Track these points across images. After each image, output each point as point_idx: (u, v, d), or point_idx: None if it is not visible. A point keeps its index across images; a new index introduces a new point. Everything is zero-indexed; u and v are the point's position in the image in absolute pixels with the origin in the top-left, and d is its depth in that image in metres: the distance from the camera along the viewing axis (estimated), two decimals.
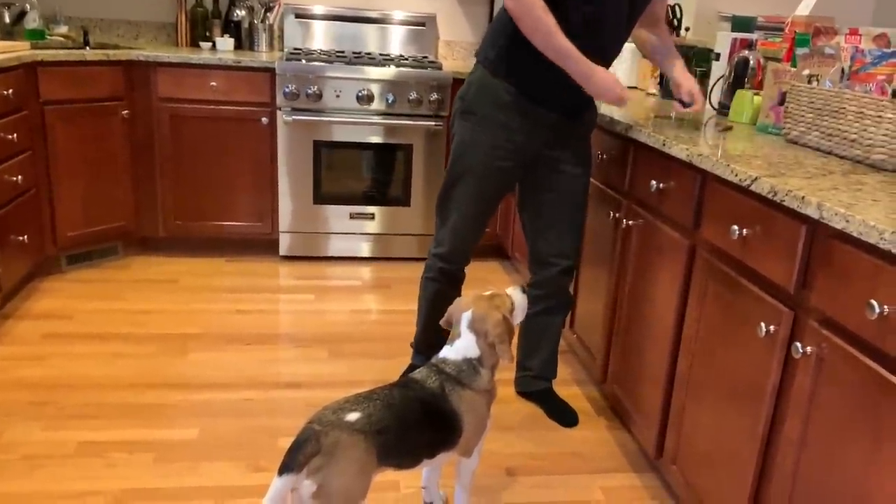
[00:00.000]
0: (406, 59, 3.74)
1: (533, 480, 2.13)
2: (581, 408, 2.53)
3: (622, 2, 1.99)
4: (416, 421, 1.62)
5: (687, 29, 3.18)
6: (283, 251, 3.72)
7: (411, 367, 2.51)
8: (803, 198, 1.38)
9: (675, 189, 1.93)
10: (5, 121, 2.80)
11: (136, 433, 2.22)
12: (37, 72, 3.05)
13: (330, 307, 3.21)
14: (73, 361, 2.61)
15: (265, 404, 2.42)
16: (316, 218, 3.67)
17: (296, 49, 3.93)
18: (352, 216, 3.70)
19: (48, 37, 3.54)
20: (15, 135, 2.86)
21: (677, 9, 3.16)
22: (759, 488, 1.57)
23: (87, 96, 3.24)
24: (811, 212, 1.36)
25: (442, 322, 1.84)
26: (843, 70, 1.88)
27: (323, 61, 3.51)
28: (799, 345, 1.40)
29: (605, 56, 2.06)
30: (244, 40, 3.91)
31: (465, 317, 1.76)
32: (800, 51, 2.09)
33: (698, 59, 2.84)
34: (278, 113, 3.49)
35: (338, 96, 3.50)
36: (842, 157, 1.81)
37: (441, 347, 1.80)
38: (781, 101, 2.11)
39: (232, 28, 3.87)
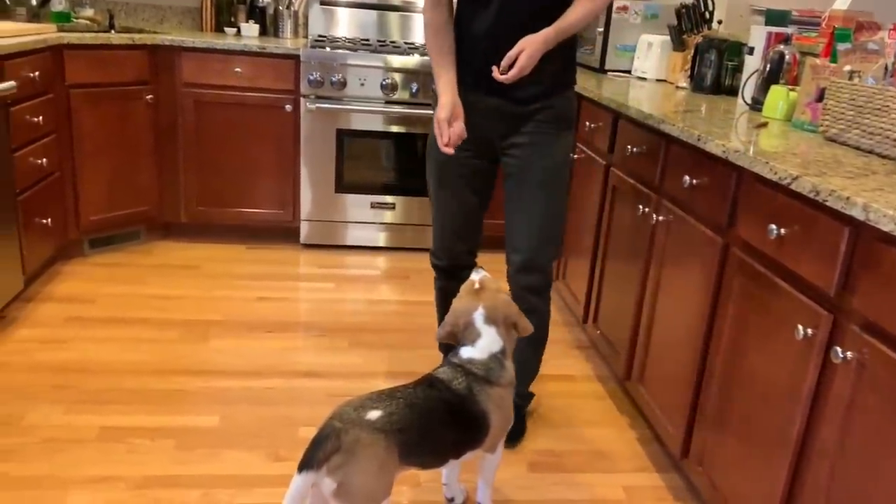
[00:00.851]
0: None
1: (554, 477, 2.10)
2: (603, 405, 2.50)
3: None
4: (441, 421, 1.60)
5: (719, 22, 3.12)
6: (303, 239, 3.70)
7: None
8: (848, 198, 1.34)
9: (708, 185, 1.89)
10: (32, 104, 2.79)
11: (157, 419, 2.22)
12: (63, 55, 3.04)
13: (349, 296, 3.20)
14: (95, 345, 2.62)
15: (285, 393, 2.41)
16: (337, 206, 3.66)
17: (320, 36, 3.90)
18: (372, 205, 3.68)
19: (74, 20, 3.54)
20: (41, 117, 2.85)
21: (709, 1, 3.10)
22: (791, 495, 1.53)
23: (112, 80, 3.23)
24: (856, 213, 1.31)
25: (441, 337, 1.76)
26: (886, 66, 1.83)
27: (347, 49, 3.49)
28: (839, 349, 1.36)
29: (496, 37, 1.93)
30: (269, 26, 3.89)
31: (478, 314, 1.72)
32: (840, 46, 2.04)
33: (730, 53, 2.78)
34: (302, 100, 3.47)
35: (362, 84, 3.47)
36: (884, 157, 1.76)
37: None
38: (819, 98, 2.06)
39: (257, 14, 3.85)
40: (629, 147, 2.41)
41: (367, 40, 3.90)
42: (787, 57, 2.40)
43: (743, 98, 2.55)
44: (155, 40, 3.33)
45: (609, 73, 3.42)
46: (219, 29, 3.85)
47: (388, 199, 3.68)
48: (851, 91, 1.86)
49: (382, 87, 3.48)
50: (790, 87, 2.32)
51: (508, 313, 1.74)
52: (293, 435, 2.19)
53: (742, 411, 1.70)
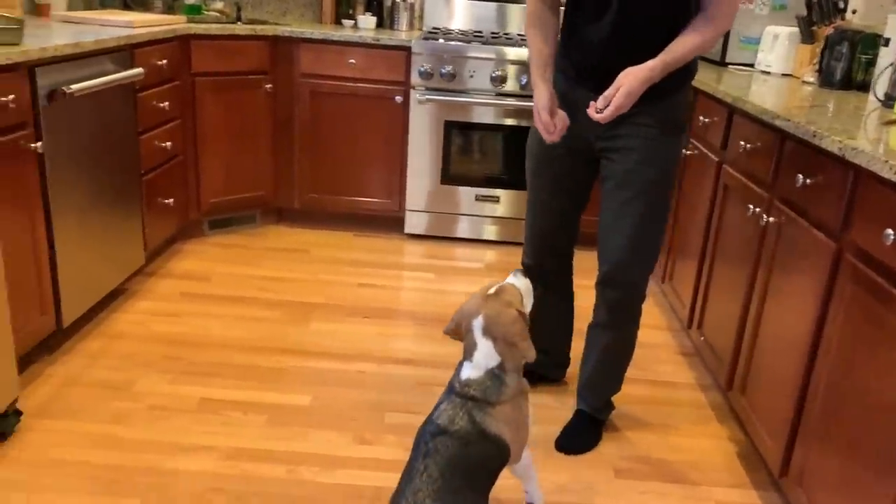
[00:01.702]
0: None
1: (642, 486, 2.02)
2: (703, 415, 2.38)
3: None
4: (469, 473, 1.54)
5: (854, 12, 2.88)
6: (408, 229, 3.75)
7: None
8: None
9: (823, 185, 1.75)
10: (159, 90, 2.97)
11: (253, 394, 2.30)
12: (190, 45, 3.22)
13: (451, 288, 3.20)
14: (206, 321, 2.75)
15: (377, 378, 2.44)
16: (442, 198, 3.67)
17: (434, 28, 3.93)
18: (477, 198, 3.67)
19: (204, 12, 3.73)
20: (167, 103, 3.03)
21: None
22: None
23: (234, 69, 3.39)
24: None
25: (446, 331, 1.70)
26: None
27: (459, 41, 3.49)
28: None
29: (602, 41, 1.84)
30: (386, 19, 3.96)
31: (477, 323, 1.62)
32: None
33: (864, 46, 2.57)
34: (412, 92, 3.50)
35: (472, 76, 3.46)
36: None
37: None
38: None
39: (375, 6, 3.92)
40: (743, 143, 2.27)
41: (480, 32, 3.89)
42: None
43: (875, 94, 2.35)
44: (276, 31, 3.46)
45: (730, 66, 3.24)
46: (338, 21, 3.96)
47: (494, 192, 3.66)
48: None
49: (492, 79, 3.46)
50: None
51: (508, 332, 1.61)
52: (380, 420, 2.22)
53: (850, 429, 1.57)
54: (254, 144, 3.56)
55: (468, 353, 1.63)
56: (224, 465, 1.97)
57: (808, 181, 1.82)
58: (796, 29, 2.96)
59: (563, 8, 1.98)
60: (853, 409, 1.56)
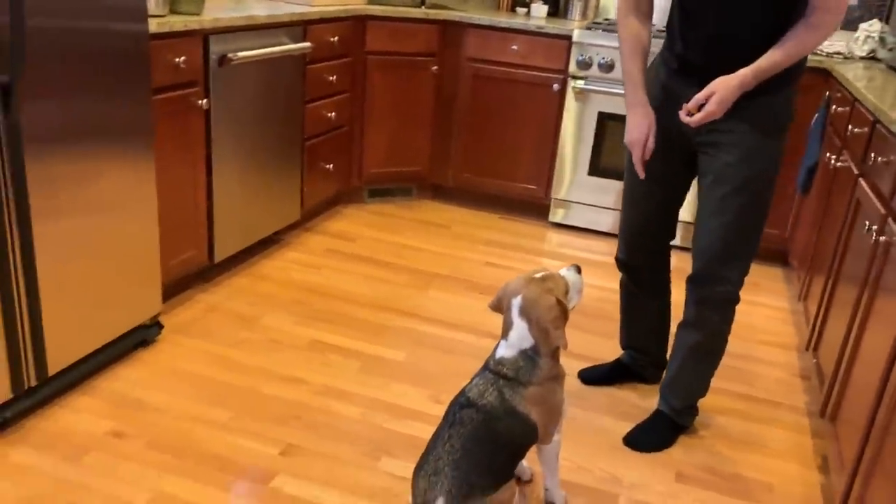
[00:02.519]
0: None
1: (701, 494, 1.97)
2: (799, 441, 2.23)
3: None
4: (492, 448, 1.59)
5: None
6: (552, 217, 3.80)
7: (616, 361, 2.46)
8: None
9: None
10: (328, 64, 3.29)
11: (356, 343, 2.53)
12: (365, 24, 3.51)
13: None
14: (340, 275, 3.03)
15: (472, 349, 2.56)
16: (589, 189, 3.68)
17: (605, 19, 3.91)
18: None
19: None
20: (334, 77, 3.34)
21: None
22: None
23: (405, 50, 3.63)
24: None
25: (490, 305, 1.74)
26: None
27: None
28: None
29: (710, 48, 1.82)
30: (560, 8, 4.01)
31: (515, 303, 1.65)
32: None
33: None
34: (569, 81, 3.54)
35: None
36: None
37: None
38: None
39: None
40: (872, 155, 2.09)
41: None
42: None
43: None
44: (447, 16, 3.66)
45: None
46: (513, 9, 4.07)
47: None
48: None
49: None
50: None
51: (543, 317, 1.62)
52: (459, 385, 2.34)
53: None
54: (416, 122, 3.80)
55: (505, 332, 1.69)
56: (310, 397, 2.21)
57: None
58: None
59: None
60: None
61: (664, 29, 2.07)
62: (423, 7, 3.88)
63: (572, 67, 3.52)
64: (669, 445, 2.15)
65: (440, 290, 2.99)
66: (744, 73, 1.72)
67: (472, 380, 1.69)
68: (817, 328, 2.43)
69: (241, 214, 2.88)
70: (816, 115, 3.03)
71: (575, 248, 3.58)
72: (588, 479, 1.97)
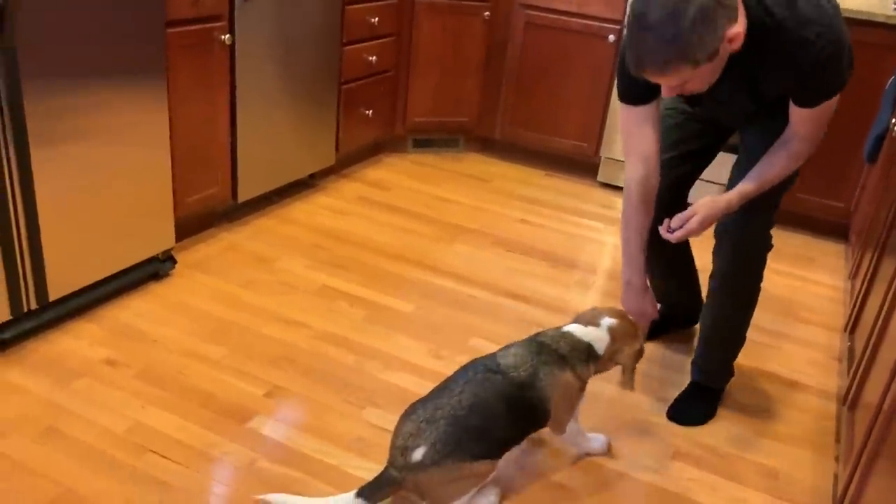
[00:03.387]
0: None
1: (695, 473, 1.84)
2: (820, 427, 2.06)
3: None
4: (498, 417, 1.59)
5: None
6: (600, 177, 3.63)
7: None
8: None
9: None
10: (368, 6, 3.19)
11: (366, 292, 2.49)
12: None
13: (610, 240, 3.08)
14: (366, 223, 2.99)
15: (485, 306, 2.48)
16: None
17: None
18: None
19: None
20: (376, 19, 3.25)
21: None
22: None
23: None
24: None
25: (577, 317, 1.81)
26: None
27: None
28: None
29: None
30: None
31: (608, 321, 1.75)
32: None
33: None
34: (624, 31, 3.33)
35: None
36: None
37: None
38: None
39: None
40: None
41: None
42: None
43: None
44: None
45: None
46: None
47: None
48: None
49: None
50: None
51: (624, 355, 1.74)
52: (463, 342, 2.27)
53: None
54: (464, 71, 3.67)
55: (583, 321, 1.76)
56: (307, 341, 2.19)
57: None
58: None
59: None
60: None
61: None
62: None
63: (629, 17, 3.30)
64: (713, 415, 2.05)
65: (465, 244, 2.91)
66: (729, 197, 1.75)
67: (510, 348, 1.71)
68: (856, 307, 2.22)
69: (268, 155, 2.86)
70: (893, 77, 2.74)
71: (618, 209, 3.40)
72: (597, 465, 1.88)
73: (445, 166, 3.70)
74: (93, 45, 1.97)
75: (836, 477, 1.87)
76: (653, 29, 1.41)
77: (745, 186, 1.74)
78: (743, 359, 2.15)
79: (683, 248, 2.20)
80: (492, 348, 2.23)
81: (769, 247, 1.88)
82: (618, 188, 3.62)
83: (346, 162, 3.52)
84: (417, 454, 1.52)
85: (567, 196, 3.50)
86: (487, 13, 3.58)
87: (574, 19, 3.45)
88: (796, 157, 1.72)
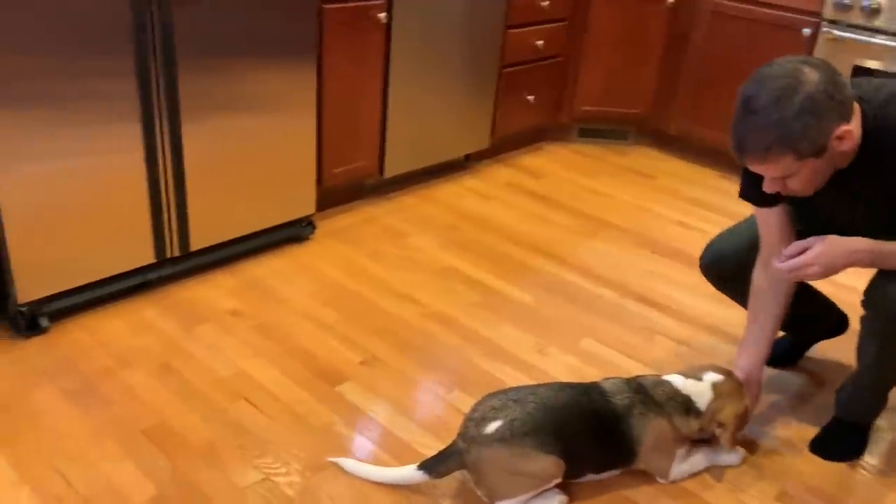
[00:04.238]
0: None
1: None
2: None
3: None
4: (584, 430, 1.55)
5: None
6: None
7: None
8: None
9: None
10: None
11: (488, 278, 2.46)
12: None
13: None
14: (507, 210, 2.96)
15: (609, 307, 2.36)
16: None
17: None
18: None
19: None
20: (547, 2, 3.18)
21: None
22: None
23: None
24: None
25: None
26: None
27: None
28: None
29: None
30: None
31: (711, 376, 1.67)
32: None
33: None
34: (822, 25, 2.98)
35: None
36: None
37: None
38: None
39: None
40: None
41: None
42: None
43: None
44: None
45: None
46: None
47: None
48: None
49: None
50: None
51: (726, 415, 1.63)
52: (574, 342, 2.18)
53: None
54: (640, 60, 3.49)
55: (686, 373, 1.69)
56: (415, 318, 2.22)
57: None
58: None
59: None
60: None
61: None
62: None
63: (828, 10, 2.95)
64: (863, 452, 1.83)
65: (606, 241, 2.78)
66: (861, 245, 1.51)
67: (609, 379, 1.69)
68: None
69: (418, 134, 2.91)
70: None
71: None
72: (678, 486, 1.74)
73: (609, 159, 3.56)
74: (247, 20, 2.12)
75: None
76: (757, 112, 1.39)
77: (881, 245, 1.51)
78: None
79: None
80: (604, 353, 2.15)
81: None
82: None
83: (504, 147, 3.49)
84: (491, 426, 1.50)
85: (738, 202, 3.20)
86: (671, 0, 3.37)
87: (767, 10, 3.14)
88: None
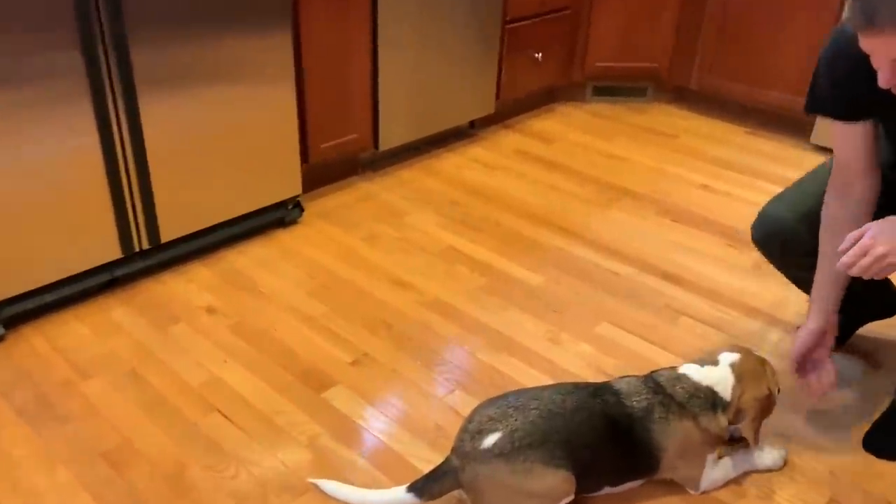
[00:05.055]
0: None
1: None
2: None
3: None
4: (597, 438, 1.34)
5: None
6: (814, 138, 3.01)
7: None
8: None
9: None
10: None
11: (493, 258, 2.23)
12: None
13: None
14: (514, 180, 2.71)
15: (628, 286, 2.12)
16: None
17: None
18: None
19: None
20: None
21: None
22: None
23: None
24: None
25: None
26: None
27: None
28: None
29: None
30: None
31: (727, 356, 1.44)
32: None
33: None
34: None
35: None
36: None
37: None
38: None
39: None
40: None
41: None
42: None
43: None
44: None
45: None
46: None
47: None
48: None
49: None
50: None
51: (746, 399, 1.40)
52: (589, 327, 1.94)
53: None
54: (657, 9, 3.19)
55: (702, 362, 1.46)
56: (413, 307, 2.00)
57: None
58: None
59: None
60: None
61: None
62: None
63: None
64: None
65: (623, 210, 2.53)
66: None
67: (623, 378, 1.45)
68: None
69: (415, 101, 2.66)
70: None
71: None
72: (728, 494, 1.51)
73: (627, 118, 3.28)
74: None
75: None
76: None
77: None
78: None
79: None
80: (622, 338, 1.91)
81: None
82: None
83: (513, 111, 3.23)
84: (489, 440, 1.29)
85: (769, 160, 2.93)
86: None
87: None
88: None
